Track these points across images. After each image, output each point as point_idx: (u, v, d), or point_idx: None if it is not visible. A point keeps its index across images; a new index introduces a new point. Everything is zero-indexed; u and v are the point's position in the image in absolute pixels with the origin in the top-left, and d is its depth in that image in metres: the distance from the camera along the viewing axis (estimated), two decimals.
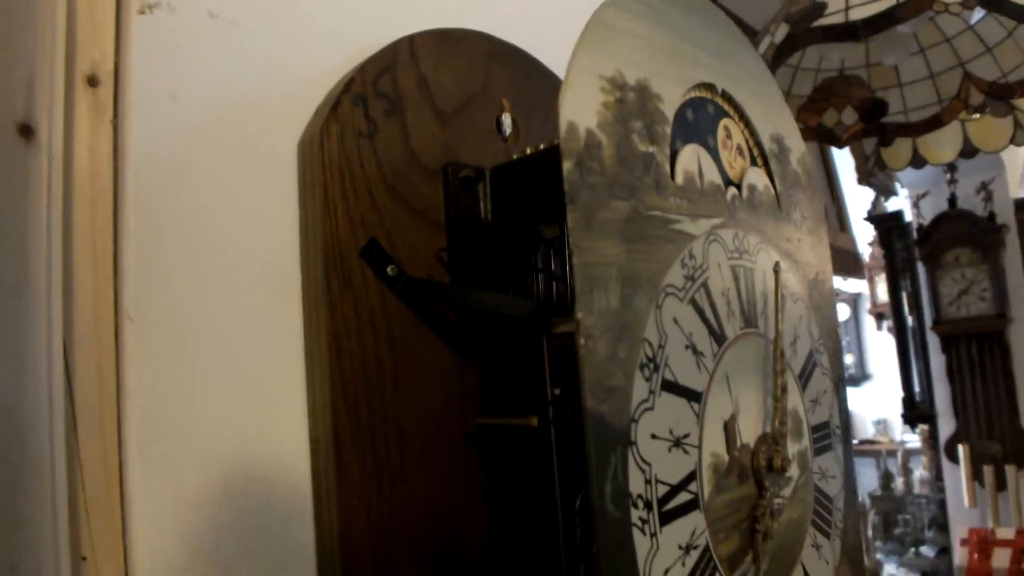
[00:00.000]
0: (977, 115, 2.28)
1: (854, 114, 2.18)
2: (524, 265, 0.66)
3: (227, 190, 0.61)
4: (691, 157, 0.58)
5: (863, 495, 3.57)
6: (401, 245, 0.67)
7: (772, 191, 0.69)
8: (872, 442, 5.36)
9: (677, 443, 0.50)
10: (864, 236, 3.81)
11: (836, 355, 0.75)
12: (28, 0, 0.51)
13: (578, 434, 0.59)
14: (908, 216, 3.20)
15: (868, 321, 5.67)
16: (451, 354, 0.68)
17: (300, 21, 0.68)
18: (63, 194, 0.51)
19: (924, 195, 3.09)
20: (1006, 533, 2.33)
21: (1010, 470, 2.86)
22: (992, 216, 2.93)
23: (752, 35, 1.65)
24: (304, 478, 0.62)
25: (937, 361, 3.09)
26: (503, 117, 0.78)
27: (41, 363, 0.49)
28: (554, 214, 0.71)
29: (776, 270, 0.63)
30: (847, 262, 2.64)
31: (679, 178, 0.56)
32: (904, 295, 3.20)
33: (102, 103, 0.55)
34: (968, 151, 2.37)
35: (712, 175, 0.60)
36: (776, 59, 1.59)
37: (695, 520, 0.51)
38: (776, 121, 0.72)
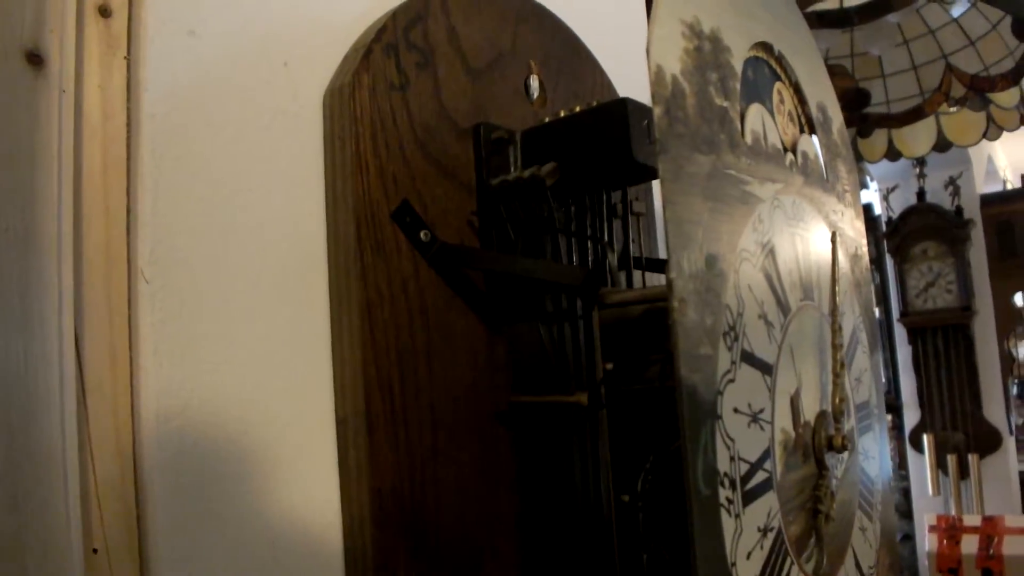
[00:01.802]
0: (954, 109, 2.31)
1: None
2: (566, 231, 0.62)
3: (248, 137, 0.55)
4: (757, 117, 0.54)
5: None
6: (432, 208, 0.62)
7: (820, 161, 0.66)
8: None
9: (755, 418, 0.47)
10: None
11: (873, 334, 0.73)
12: None
13: (631, 412, 0.56)
14: (878, 209, 3.25)
15: None
16: (481, 326, 0.64)
17: None
18: (74, 137, 0.45)
19: (894, 188, 3.15)
20: (972, 520, 2.39)
21: (972, 459, 2.95)
22: (959, 210, 3.00)
23: None
24: (330, 458, 0.57)
25: (903, 352, 3.15)
26: (531, 79, 0.74)
27: (50, 329, 0.43)
28: (591, 180, 0.67)
29: (833, 240, 0.60)
30: None
31: (748, 137, 0.52)
32: (872, 287, 3.26)
33: (115, 36, 0.48)
34: (942, 145, 2.40)
35: (774, 138, 0.57)
36: None
37: (770, 501, 0.47)
38: (820, 90, 0.69)
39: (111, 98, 0.48)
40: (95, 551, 0.45)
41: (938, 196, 3.04)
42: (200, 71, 0.53)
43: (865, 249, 0.74)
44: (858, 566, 0.62)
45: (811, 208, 0.61)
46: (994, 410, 2.99)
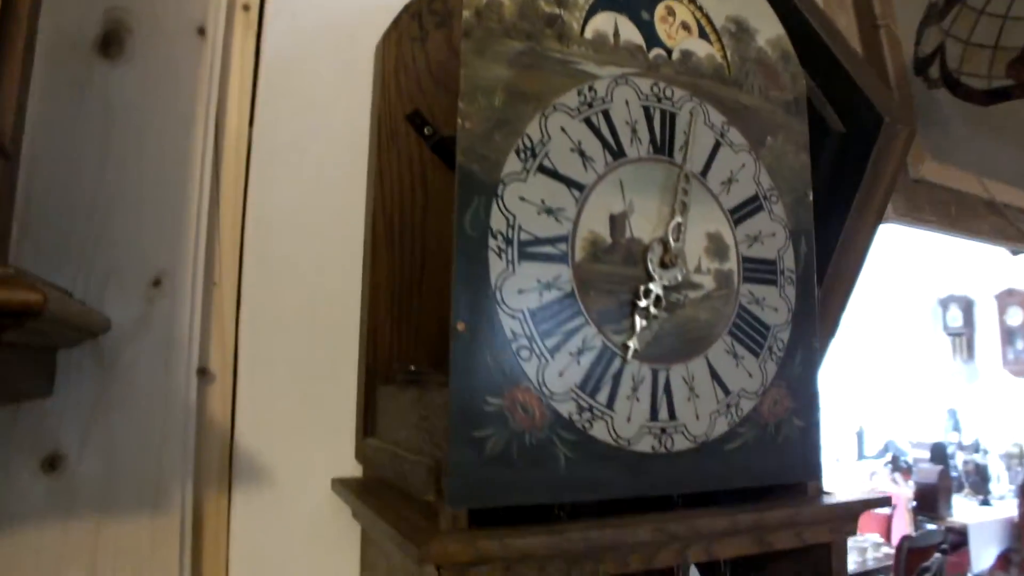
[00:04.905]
0: None
1: None
2: None
3: (330, 73, 0.95)
4: (606, 21, 0.76)
5: None
6: (439, 116, 0.94)
7: (717, 59, 0.83)
8: None
9: (549, 212, 0.70)
10: None
11: (795, 210, 0.85)
12: None
13: None
14: None
15: None
16: None
17: None
18: (219, 85, 0.88)
19: None
20: None
21: None
22: None
23: None
24: (356, 258, 0.93)
25: None
26: None
27: (190, 238, 0.86)
28: None
29: (692, 114, 0.78)
30: None
31: (588, 34, 0.75)
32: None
33: (251, 21, 0.91)
34: None
35: (633, 37, 0.78)
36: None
37: (560, 269, 0.70)
38: (738, 7, 0.85)
39: (246, 53, 0.90)
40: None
41: None
42: (300, 40, 0.94)
43: (800, 146, 0.86)
44: (716, 377, 0.77)
45: (687, 92, 0.79)
46: None
